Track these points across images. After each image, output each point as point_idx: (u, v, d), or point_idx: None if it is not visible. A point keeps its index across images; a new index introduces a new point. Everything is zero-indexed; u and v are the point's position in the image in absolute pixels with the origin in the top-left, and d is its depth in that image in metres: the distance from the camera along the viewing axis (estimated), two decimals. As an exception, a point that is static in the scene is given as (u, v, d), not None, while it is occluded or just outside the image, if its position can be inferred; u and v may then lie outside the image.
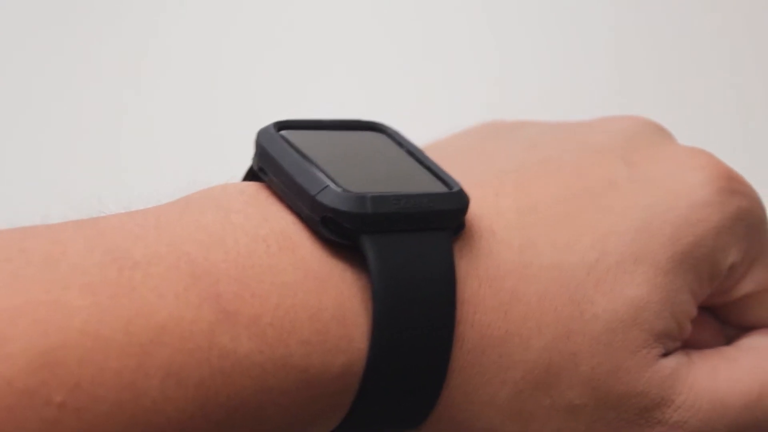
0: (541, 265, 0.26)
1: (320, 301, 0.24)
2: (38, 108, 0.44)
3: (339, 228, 0.24)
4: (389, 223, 0.24)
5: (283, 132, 0.26)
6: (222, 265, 0.23)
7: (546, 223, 0.27)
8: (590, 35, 0.45)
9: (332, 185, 0.24)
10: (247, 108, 0.44)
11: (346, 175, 0.25)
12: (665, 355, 0.27)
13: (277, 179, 0.25)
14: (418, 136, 0.31)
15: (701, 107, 0.45)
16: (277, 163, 0.25)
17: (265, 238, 0.24)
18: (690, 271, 0.27)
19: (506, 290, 0.26)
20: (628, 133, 0.30)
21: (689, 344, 0.29)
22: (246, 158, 0.27)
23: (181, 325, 0.22)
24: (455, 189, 0.26)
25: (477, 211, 0.27)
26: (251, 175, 0.27)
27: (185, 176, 0.27)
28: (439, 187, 0.26)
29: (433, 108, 0.36)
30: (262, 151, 0.26)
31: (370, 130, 0.28)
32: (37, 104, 0.44)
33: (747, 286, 0.30)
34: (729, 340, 0.31)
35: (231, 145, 0.32)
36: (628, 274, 0.27)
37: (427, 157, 0.27)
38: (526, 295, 0.26)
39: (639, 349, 0.26)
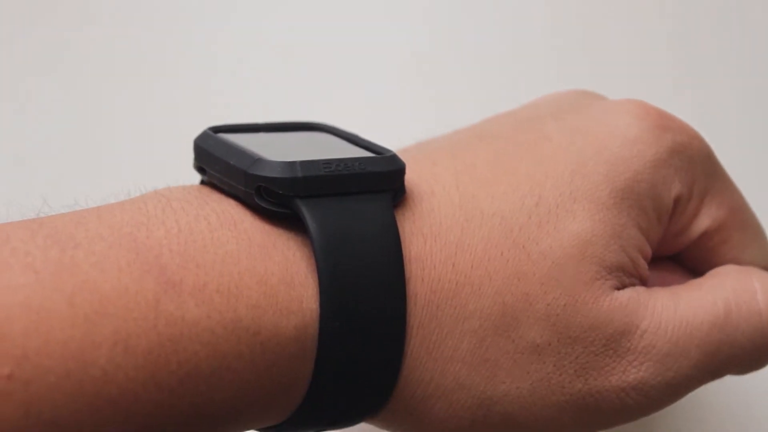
0: (483, 214, 0.27)
1: (266, 267, 0.24)
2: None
3: (275, 197, 0.25)
4: (323, 186, 0.25)
5: (218, 134, 0.27)
6: (164, 241, 0.24)
7: (483, 179, 0.27)
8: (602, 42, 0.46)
9: (263, 157, 0.25)
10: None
11: (277, 152, 0.26)
12: (619, 289, 0.27)
13: (213, 170, 0.26)
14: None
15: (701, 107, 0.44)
16: (211, 154, 0.26)
17: (207, 217, 0.25)
18: (633, 206, 0.28)
19: (451, 243, 0.26)
20: (559, 99, 0.31)
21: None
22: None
23: (126, 296, 0.22)
24: (388, 154, 0.26)
25: (415, 179, 0.27)
26: None
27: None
28: (372, 155, 0.27)
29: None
30: (197, 150, 0.27)
31: (308, 130, 0.29)
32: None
33: (703, 222, 0.30)
34: None
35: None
36: (569, 212, 0.27)
37: (365, 139, 0.28)
38: (471, 246, 0.26)
39: (592, 281, 0.27)
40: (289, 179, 0.25)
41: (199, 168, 0.27)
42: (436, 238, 0.26)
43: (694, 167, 0.29)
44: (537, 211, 0.27)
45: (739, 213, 0.31)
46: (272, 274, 0.24)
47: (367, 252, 0.25)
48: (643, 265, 0.28)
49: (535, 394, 0.27)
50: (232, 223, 0.25)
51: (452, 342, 0.26)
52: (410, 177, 0.27)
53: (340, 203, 0.25)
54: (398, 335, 0.25)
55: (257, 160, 0.25)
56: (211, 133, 0.27)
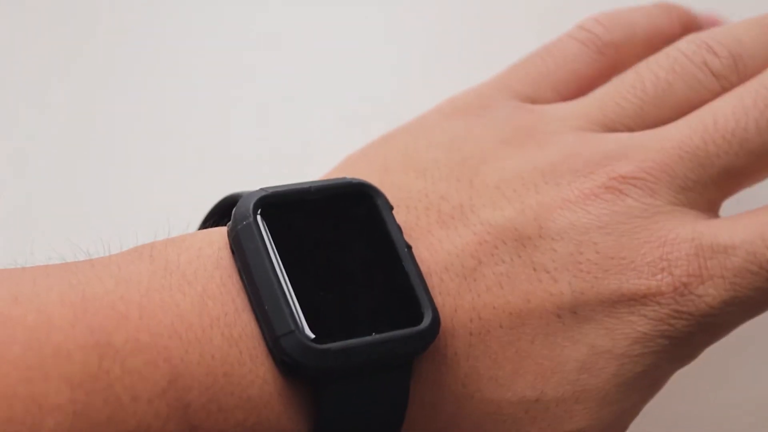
0: (481, 399, 0.26)
1: (280, 422, 0.24)
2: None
3: (299, 374, 0.24)
4: (348, 371, 0.25)
5: (260, 219, 0.26)
6: (196, 370, 0.23)
7: (493, 355, 0.27)
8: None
9: (297, 330, 0.24)
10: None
11: (316, 308, 0.25)
12: None
13: (247, 285, 0.25)
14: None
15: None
16: (249, 271, 0.25)
17: (238, 342, 0.24)
18: (643, 389, 0.28)
19: (446, 414, 0.26)
20: (588, 240, 0.28)
21: None
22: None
23: None
24: (425, 324, 0.26)
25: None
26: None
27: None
28: (412, 317, 0.26)
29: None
30: (236, 239, 0.26)
31: (356, 196, 0.27)
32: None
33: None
34: None
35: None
36: (567, 413, 0.27)
37: (406, 254, 0.27)
38: (462, 426, 0.26)
39: None
40: (320, 369, 0.24)
41: (232, 250, 0.26)
42: (433, 408, 0.26)
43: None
44: (535, 407, 0.27)
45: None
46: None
47: (371, 427, 0.25)
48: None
49: None
50: (261, 361, 0.24)
51: None
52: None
53: (362, 384, 0.25)
54: None
55: (290, 333, 0.24)
56: (252, 222, 0.25)
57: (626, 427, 0.28)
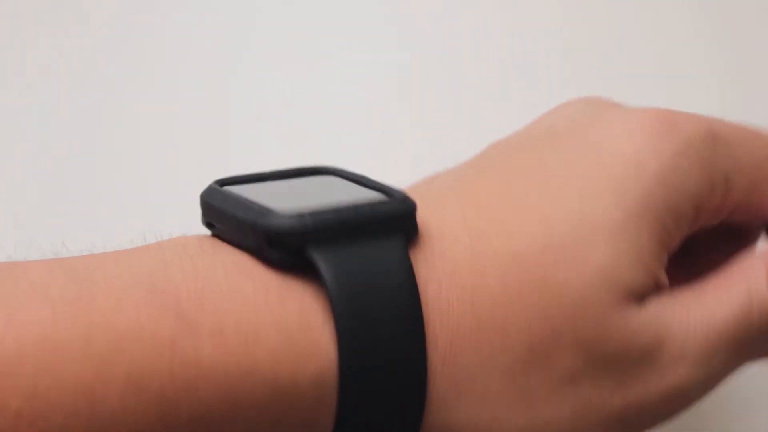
0: (495, 253, 0.26)
1: (284, 313, 0.24)
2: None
3: (287, 248, 0.24)
4: (334, 234, 0.25)
5: (224, 188, 0.27)
6: (182, 285, 0.23)
7: (491, 217, 0.27)
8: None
9: (272, 210, 0.25)
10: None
11: (285, 203, 0.25)
12: (644, 303, 0.27)
13: (222, 225, 0.26)
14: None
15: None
16: (218, 209, 0.26)
17: (223, 264, 0.24)
18: (651, 223, 0.27)
19: (467, 286, 0.26)
20: (556, 120, 0.30)
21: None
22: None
23: (142, 333, 0.22)
24: (398, 195, 0.26)
25: (424, 221, 0.27)
26: None
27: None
28: (381, 197, 0.26)
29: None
30: (204, 206, 0.27)
31: (315, 174, 0.29)
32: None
33: (734, 197, 0.29)
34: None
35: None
36: (585, 242, 0.26)
37: (373, 180, 0.28)
38: (488, 287, 0.26)
39: (618, 304, 0.26)
40: (300, 230, 0.24)
41: (208, 224, 0.27)
42: (451, 282, 0.26)
43: (705, 158, 0.28)
44: (551, 246, 0.26)
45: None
46: (290, 321, 0.24)
47: (385, 298, 0.24)
48: (664, 277, 0.28)
49: (577, 418, 0.26)
50: (248, 271, 0.24)
51: (482, 381, 0.26)
52: (419, 219, 0.27)
53: (353, 249, 0.25)
54: (420, 382, 0.25)
55: (266, 212, 0.25)
56: (216, 187, 0.27)
57: (656, 272, 0.27)
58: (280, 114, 0.43)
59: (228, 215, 0.26)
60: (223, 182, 0.27)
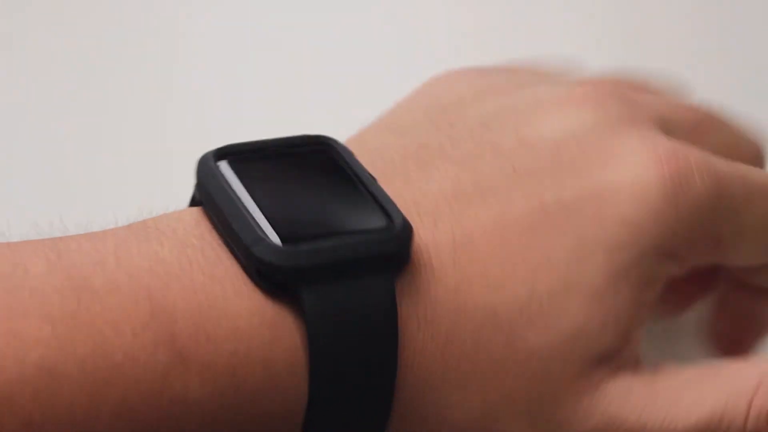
0: (476, 306, 0.26)
1: (272, 350, 0.24)
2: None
3: (277, 282, 0.24)
4: (326, 273, 0.24)
5: (221, 164, 0.26)
6: (180, 304, 0.23)
7: (480, 258, 0.26)
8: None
9: (267, 238, 0.24)
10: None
11: (283, 220, 0.25)
12: (612, 371, 0.27)
13: (216, 219, 0.25)
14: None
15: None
16: (214, 204, 0.25)
17: (221, 281, 0.24)
18: (633, 286, 0.27)
19: (442, 333, 0.26)
20: (567, 139, 0.29)
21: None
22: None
23: (136, 366, 0.22)
24: (396, 228, 0.25)
25: (418, 242, 0.26)
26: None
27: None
28: (380, 222, 0.26)
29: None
30: (200, 186, 0.26)
31: (315, 146, 0.28)
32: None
33: (728, 255, 0.29)
34: None
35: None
36: (560, 308, 0.26)
37: (370, 180, 0.27)
38: (460, 339, 0.26)
39: (578, 376, 0.26)
40: (293, 267, 0.24)
41: (200, 201, 0.26)
42: (428, 325, 0.26)
43: (705, 220, 0.28)
44: (528, 305, 0.26)
45: None
46: (277, 360, 0.24)
47: (365, 341, 0.24)
48: (638, 339, 0.28)
49: None
50: (246, 294, 0.24)
51: (433, 429, 0.26)
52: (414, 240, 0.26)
53: (344, 290, 0.24)
54: (381, 424, 0.25)
55: (260, 240, 0.24)
56: (213, 166, 0.26)
57: (629, 333, 0.27)
58: (281, 105, 0.42)
59: (223, 218, 0.25)
60: (220, 154, 0.26)
